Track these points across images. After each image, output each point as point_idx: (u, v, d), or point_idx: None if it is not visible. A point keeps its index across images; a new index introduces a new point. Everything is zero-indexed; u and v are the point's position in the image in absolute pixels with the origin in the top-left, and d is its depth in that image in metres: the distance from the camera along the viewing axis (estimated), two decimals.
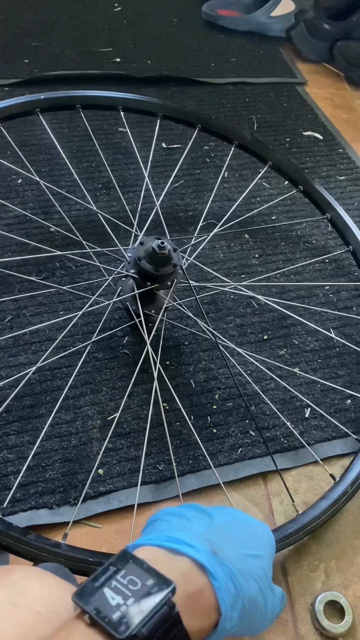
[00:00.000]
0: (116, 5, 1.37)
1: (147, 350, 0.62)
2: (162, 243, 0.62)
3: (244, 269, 0.83)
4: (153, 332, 0.63)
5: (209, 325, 0.65)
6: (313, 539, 0.59)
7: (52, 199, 0.80)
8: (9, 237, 0.80)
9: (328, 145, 1.08)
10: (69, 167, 0.87)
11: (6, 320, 0.72)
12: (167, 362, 0.71)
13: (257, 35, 1.34)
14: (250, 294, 0.73)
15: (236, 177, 0.98)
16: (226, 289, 0.75)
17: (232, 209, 0.82)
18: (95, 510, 0.58)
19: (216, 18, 1.34)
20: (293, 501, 0.60)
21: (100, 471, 0.61)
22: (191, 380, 0.69)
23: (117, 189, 0.80)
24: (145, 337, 0.62)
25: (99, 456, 0.57)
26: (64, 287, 0.70)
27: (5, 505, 0.56)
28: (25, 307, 0.74)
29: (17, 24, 1.24)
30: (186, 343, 0.73)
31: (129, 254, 0.65)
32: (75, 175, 0.78)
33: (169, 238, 0.71)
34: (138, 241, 0.65)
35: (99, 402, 0.66)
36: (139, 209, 0.78)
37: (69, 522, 0.56)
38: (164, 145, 1.02)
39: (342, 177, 1.02)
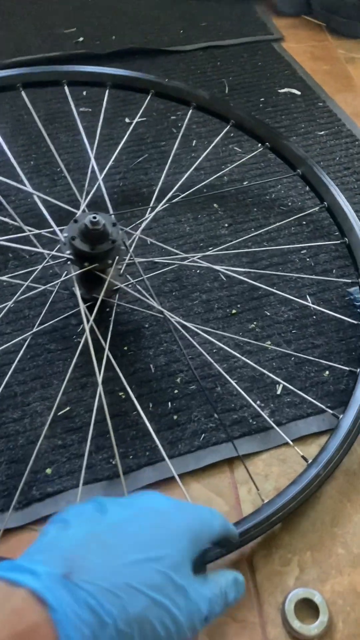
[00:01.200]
0: None
1: (86, 337, 0.56)
2: (94, 217, 0.56)
3: (212, 240, 0.77)
4: (92, 317, 0.58)
5: (157, 303, 0.59)
6: (285, 529, 0.53)
7: None
8: None
9: (307, 101, 1.00)
10: (25, 155, 0.84)
11: None
12: (125, 348, 0.65)
13: None
14: (207, 265, 0.67)
15: (205, 144, 0.91)
16: (185, 262, 0.69)
17: (181, 180, 0.75)
18: (41, 513, 0.53)
19: None
20: (257, 489, 0.54)
21: (49, 470, 0.56)
22: (151, 365, 0.64)
23: (65, 170, 0.75)
24: (85, 323, 0.57)
25: (33, 457, 0.52)
26: (3, 278, 0.65)
27: None
28: None
29: None
30: (146, 326, 0.68)
31: (65, 234, 0.60)
32: (13, 160, 0.73)
33: (111, 213, 0.66)
34: (72, 219, 0.59)
35: (49, 396, 0.61)
36: (85, 188, 0.72)
37: (17, 526, 0.52)
38: (127, 120, 0.96)
39: (322, 132, 0.93)
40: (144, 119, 0.96)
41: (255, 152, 0.81)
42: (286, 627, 0.47)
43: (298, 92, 1.01)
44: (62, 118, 0.96)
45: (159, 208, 0.70)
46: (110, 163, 0.75)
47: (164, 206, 0.71)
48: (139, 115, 0.82)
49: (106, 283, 0.59)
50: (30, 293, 0.60)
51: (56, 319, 0.63)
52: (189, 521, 0.35)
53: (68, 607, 0.28)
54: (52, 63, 1.07)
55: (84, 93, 1.00)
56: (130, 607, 0.30)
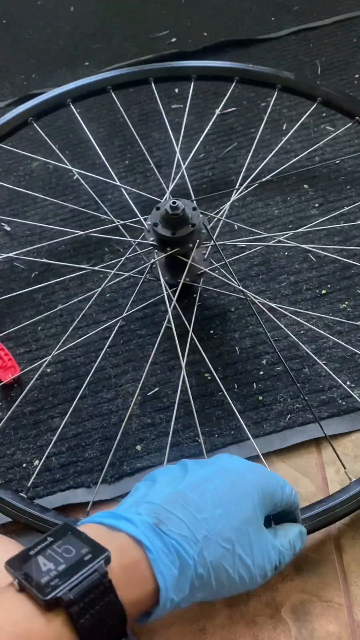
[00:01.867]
0: None
1: (169, 320, 0.58)
2: (174, 203, 0.58)
3: (301, 221, 0.75)
4: (174, 300, 0.59)
5: (238, 284, 0.60)
6: None
7: (90, 190, 0.79)
8: (64, 231, 0.82)
9: None
10: (121, 155, 0.88)
11: (58, 308, 0.73)
12: (211, 331, 0.66)
13: None
14: (293, 244, 0.66)
15: (296, 127, 0.89)
16: (270, 244, 0.68)
17: (264, 162, 0.74)
18: (131, 487, 0.55)
19: None
20: (345, 468, 0.52)
21: (139, 447, 0.59)
22: (236, 347, 0.64)
23: (153, 164, 0.77)
24: (168, 306, 0.59)
25: (119, 435, 0.55)
26: (94, 268, 0.69)
27: (45, 486, 0.57)
28: (75, 294, 0.74)
29: (80, 30, 1.27)
30: (232, 309, 0.68)
31: (149, 222, 0.62)
32: (104, 159, 0.77)
33: (193, 198, 0.67)
34: (155, 207, 0.61)
35: (140, 378, 0.64)
36: (171, 179, 0.74)
37: (107, 499, 0.55)
38: (217, 112, 0.97)
39: None
40: (234, 108, 0.96)
41: (345, 128, 0.78)
42: None
43: None
44: (154, 117, 1.00)
45: (241, 190, 0.70)
46: (194, 152, 0.76)
47: (249, 189, 0.71)
48: (223, 103, 0.82)
49: (187, 267, 0.60)
50: (116, 281, 0.63)
51: (142, 305, 0.66)
52: (260, 480, 0.39)
53: (159, 549, 0.33)
54: None
55: (176, 90, 1.03)
56: (207, 554, 0.34)
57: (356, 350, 0.59)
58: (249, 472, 0.39)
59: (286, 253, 0.72)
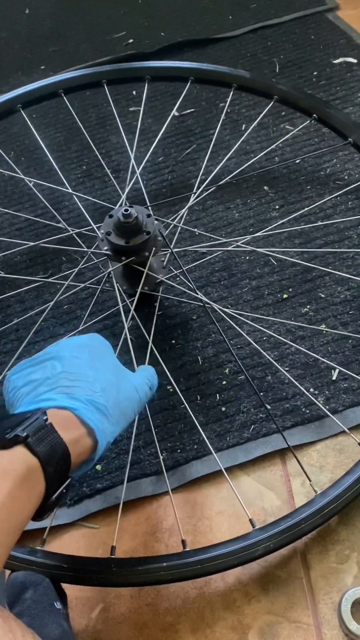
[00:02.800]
0: None
1: (126, 333, 0.56)
2: (126, 210, 0.56)
3: (262, 224, 0.74)
4: (132, 310, 0.57)
5: (196, 291, 0.58)
6: (342, 523, 0.49)
7: (43, 199, 0.76)
8: (19, 242, 0.79)
9: None
10: (78, 161, 0.86)
11: (13, 322, 0.70)
12: (173, 341, 0.64)
13: None
14: (250, 249, 0.64)
15: (255, 127, 0.88)
16: (229, 249, 0.66)
17: (219, 166, 0.73)
18: (90, 510, 0.54)
19: None
20: (310, 480, 0.50)
21: (99, 467, 0.56)
22: (199, 357, 0.62)
23: (108, 171, 0.75)
24: (123, 318, 0.56)
25: None
26: (48, 280, 0.67)
27: None
28: (31, 307, 0.71)
29: (36, 33, 1.24)
30: (194, 317, 0.66)
31: (102, 231, 0.60)
32: (58, 167, 0.74)
33: (148, 205, 0.65)
34: (107, 215, 0.59)
35: None
36: (127, 185, 0.72)
37: (66, 523, 0.52)
38: (176, 113, 0.95)
39: None
40: (193, 110, 0.94)
41: (303, 127, 0.77)
42: (343, 629, 0.44)
43: (354, 60, 0.95)
44: (112, 120, 0.97)
45: (198, 194, 0.68)
46: (152, 156, 0.74)
47: (207, 193, 0.69)
48: (178, 104, 0.80)
49: (144, 276, 0.58)
50: (73, 292, 0.60)
51: (102, 316, 0.64)
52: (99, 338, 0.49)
53: (80, 406, 0.40)
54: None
55: (134, 92, 1.00)
56: (107, 399, 0.42)
57: (318, 356, 0.58)
58: (90, 339, 0.48)
59: (247, 257, 0.70)
